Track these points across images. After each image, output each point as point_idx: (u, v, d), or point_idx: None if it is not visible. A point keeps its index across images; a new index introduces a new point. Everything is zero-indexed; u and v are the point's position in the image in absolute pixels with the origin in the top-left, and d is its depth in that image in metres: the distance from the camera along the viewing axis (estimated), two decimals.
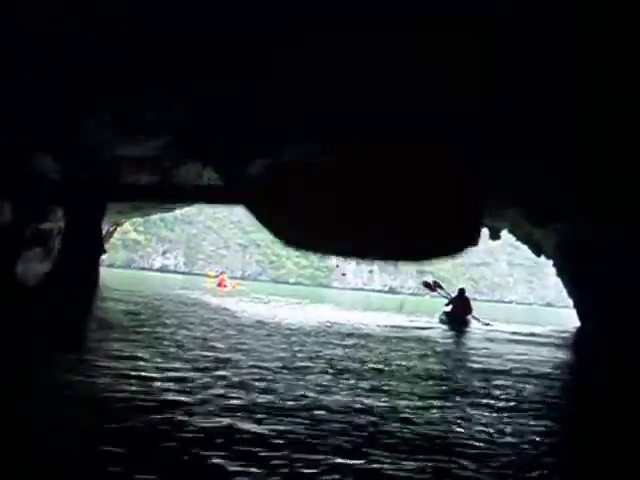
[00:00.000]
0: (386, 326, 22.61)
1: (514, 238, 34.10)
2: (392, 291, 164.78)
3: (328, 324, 20.88)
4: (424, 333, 20.94)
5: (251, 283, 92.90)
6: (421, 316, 29.76)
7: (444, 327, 24.74)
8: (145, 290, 34.59)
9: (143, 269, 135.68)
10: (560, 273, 32.70)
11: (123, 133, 20.67)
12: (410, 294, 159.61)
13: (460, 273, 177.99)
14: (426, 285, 32.25)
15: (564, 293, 33.23)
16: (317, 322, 21.33)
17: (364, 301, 62.96)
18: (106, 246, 47.20)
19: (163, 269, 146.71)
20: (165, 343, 11.84)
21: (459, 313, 26.03)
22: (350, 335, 17.30)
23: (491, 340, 20.02)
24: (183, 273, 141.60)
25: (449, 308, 26.98)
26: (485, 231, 33.00)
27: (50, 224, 31.50)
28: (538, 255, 33.73)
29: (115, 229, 47.61)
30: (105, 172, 23.60)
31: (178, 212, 78.81)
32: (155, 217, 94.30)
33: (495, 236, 33.04)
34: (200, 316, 19.62)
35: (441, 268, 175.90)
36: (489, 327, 25.68)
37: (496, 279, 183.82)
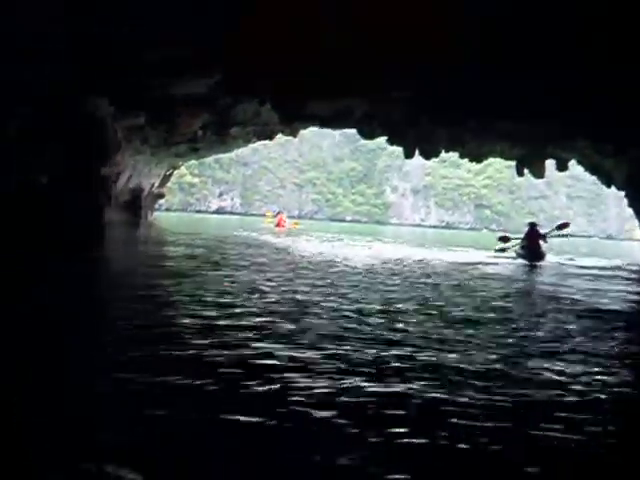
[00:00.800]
0: (466, 263, 22.05)
1: (573, 170, 32.96)
2: (449, 226, 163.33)
3: (403, 263, 19.98)
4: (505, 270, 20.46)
5: (308, 222, 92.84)
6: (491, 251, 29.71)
7: (522, 261, 25.14)
8: (204, 233, 34.37)
9: (200, 212, 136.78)
10: (632, 203, 31.63)
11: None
12: (468, 228, 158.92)
13: (519, 206, 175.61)
14: (501, 239, 30.54)
15: (626, 225, 32.57)
16: (392, 261, 20.50)
17: (428, 237, 61.86)
18: (164, 190, 47.42)
19: (220, 211, 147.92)
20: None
21: (534, 246, 25.69)
22: (431, 275, 16.20)
23: (577, 276, 19.24)
24: (240, 214, 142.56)
25: (523, 243, 26.88)
26: (551, 162, 32.15)
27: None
28: (608, 186, 32.75)
29: (172, 172, 47.74)
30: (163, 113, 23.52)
31: (233, 153, 78.47)
32: (210, 159, 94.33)
33: (562, 167, 32.18)
34: (272, 259, 18.65)
35: (499, 202, 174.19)
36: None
37: (555, 212, 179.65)
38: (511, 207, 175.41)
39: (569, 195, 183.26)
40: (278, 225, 53.60)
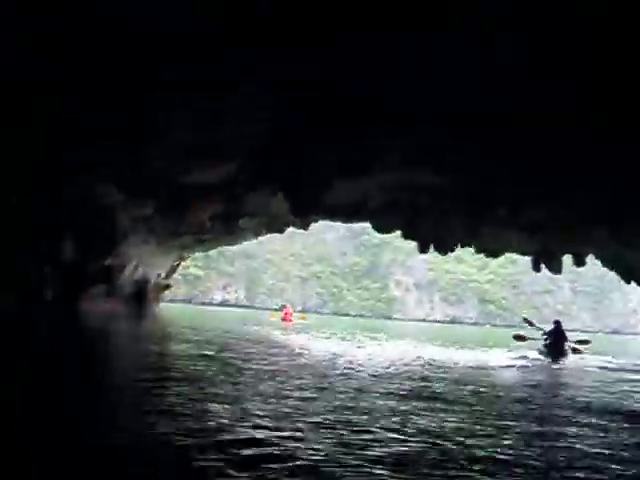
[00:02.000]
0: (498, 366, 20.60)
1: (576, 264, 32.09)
2: (453, 321, 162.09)
3: (434, 367, 18.24)
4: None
5: (313, 315, 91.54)
6: (516, 350, 28.35)
7: (546, 359, 24.85)
8: (211, 327, 32.97)
9: (204, 304, 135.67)
10: None
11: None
12: (472, 323, 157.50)
13: (522, 301, 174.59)
14: (525, 321, 32.25)
15: (631, 320, 32.21)
16: (414, 364, 18.92)
17: (437, 333, 60.40)
18: (170, 281, 46.60)
19: (223, 303, 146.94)
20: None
21: (560, 344, 25.95)
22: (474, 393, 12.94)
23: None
24: (244, 306, 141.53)
25: (547, 341, 26.54)
26: (568, 259, 31.41)
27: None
28: (628, 282, 31.70)
29: (179, 264, 47.00)
30: (172, 204, 22.87)
31: (237, 246, 77.97)
32: (214, 252, 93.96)
33: (580, 262, 31.31)
34: (288, 364, 16.00)
35: (504, 297, 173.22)
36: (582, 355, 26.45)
37: (559, 307, 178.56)
38: (515, 302, 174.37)
39: (573, 289, 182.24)
40: (285, 319, 51.74)
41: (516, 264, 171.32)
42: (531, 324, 30.84)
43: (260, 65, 15.19)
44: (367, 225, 31.39)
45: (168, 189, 22.05)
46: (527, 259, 32.99)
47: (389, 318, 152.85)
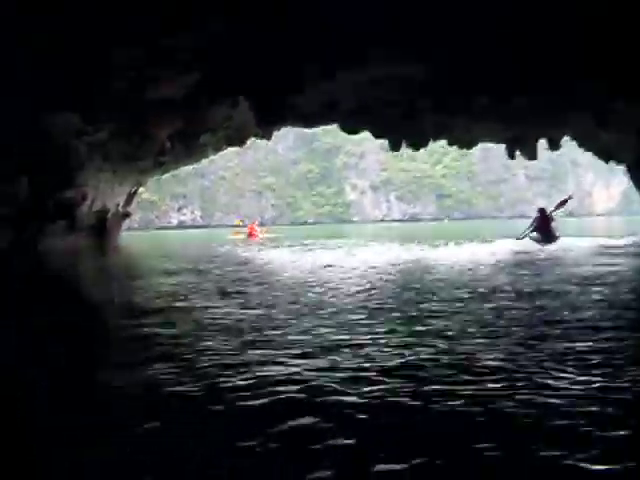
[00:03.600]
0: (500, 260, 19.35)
1: (550, 148, 31.22)
2: (413, 219, 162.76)
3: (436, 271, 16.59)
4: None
5: (273, 227, 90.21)
6: (498, 240, 28.58)
7: (540, 245, 25.24)
8: (180, 253, 31.29)
9: (161, 228, 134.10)
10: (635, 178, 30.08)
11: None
12: (431, 219, 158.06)
13: (478, 192, 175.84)
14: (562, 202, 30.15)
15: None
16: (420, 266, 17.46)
17: (408, 231, 59.18)
18: (130, 209, 44.74)
19: (180, 225, 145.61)
20: None
21: (547, 230, 26.85)
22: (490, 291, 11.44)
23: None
24: (201, 227, 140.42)
25: (534, 227, 27.66)
26: (543, 143, 30.41)
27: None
28: (606, 161, 30.95)
29: (137, 191, 45.04)
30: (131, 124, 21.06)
31: (188, 167, 75.63)
32: (166, 175, 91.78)
33: (555, 146, 30.28)
34: (277, 286, 14.26)
35: (460, 190, 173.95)
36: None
37: (514, 194, 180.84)
38: (471, 193, 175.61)
39: (528, 176, 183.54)
40: (250, 236, 50.14)
41: (470, 155, 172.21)
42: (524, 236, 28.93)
43: None
44: (317, 131, 29.83)
45: (125, 109, 20.19)
46: (479, 150, 32.08)
47: (347, 222, 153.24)
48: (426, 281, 13.29)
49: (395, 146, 28.97)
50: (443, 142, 31.17)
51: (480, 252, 22.47)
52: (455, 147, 33.63)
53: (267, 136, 31.70)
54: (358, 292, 11.62)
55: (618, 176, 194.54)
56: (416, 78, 20.21)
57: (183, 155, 33.76)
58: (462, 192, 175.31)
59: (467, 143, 31.06)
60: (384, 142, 29.91)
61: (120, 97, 18.74)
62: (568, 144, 32.36)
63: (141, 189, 48.03)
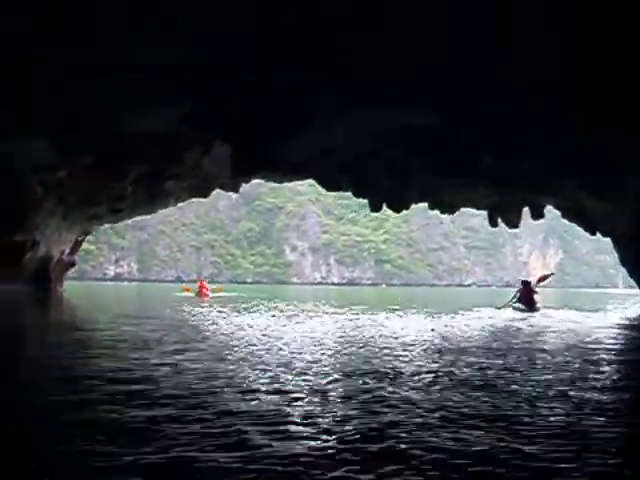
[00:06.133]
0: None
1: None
2: (351, 283, 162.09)
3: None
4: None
5: (210, 285, 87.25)
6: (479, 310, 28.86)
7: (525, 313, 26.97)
8: (127, 309, 28.21)
9: (97, 279, 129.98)
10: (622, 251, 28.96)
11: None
12: (370, 284, 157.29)
13: (418, 259, 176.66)
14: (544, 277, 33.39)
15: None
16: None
17: (351, 296, 57.12)
18: (75, 258, 42.11)
19: (117, 277, 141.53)
20: None
21: (530, 300, 28.59)
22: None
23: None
24: (138, 280, 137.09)
25: (517, 298, 29.59)
26: (526, 210, 29.16)
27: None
28: (593, 233, 29.77)
29: (83, 239, 42.48)
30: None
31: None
32: (104, 226, 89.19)
33: (538, 215, 29.01)
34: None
35: (400, 256, 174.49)
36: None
37: (454, 263, 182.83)
38: (410, 260, 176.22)
39: (466, 246, 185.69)
40: (200, 294, 44.76)
41: (410, 222, 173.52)
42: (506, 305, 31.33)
43: None
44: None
45: (103, 140, 17.96)
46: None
47: (285, 283, 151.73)
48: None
49: (376, 207, 27.23)
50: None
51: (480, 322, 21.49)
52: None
53: (234, 188, 29.69)
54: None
55: (553, 248, 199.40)
56: (430, 127, 18.50)
57: (142, 203, 31.40)
58: (401, 258, 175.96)
59: (449, 207, 29.49)
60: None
61: (97, 127, 16.56)
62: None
63: None
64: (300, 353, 11.94)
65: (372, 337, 15.20)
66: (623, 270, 34.68)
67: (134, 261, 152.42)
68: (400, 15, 12.96)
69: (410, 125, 18.27)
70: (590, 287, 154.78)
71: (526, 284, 29.95)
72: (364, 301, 42.89)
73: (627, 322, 24.38)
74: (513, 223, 29.16)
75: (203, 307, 29.35)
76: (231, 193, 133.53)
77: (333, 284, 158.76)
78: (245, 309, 28.47)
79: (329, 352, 12.24)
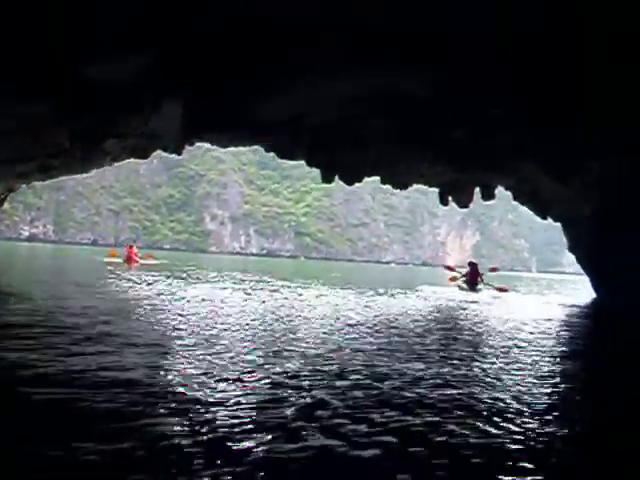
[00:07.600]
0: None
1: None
2: (270, 254, 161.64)
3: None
4: None
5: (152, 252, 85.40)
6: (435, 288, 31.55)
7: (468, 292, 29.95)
8: (48, 274, 26.59)
9: (10, 239, 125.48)
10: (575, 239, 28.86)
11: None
12: (289, 256, 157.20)
13: (338, 234, 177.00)
14: (447, 267, 40.69)
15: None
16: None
17: (281, 267, 56.38)
18: None
19: (31, 238, 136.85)
20: None
21: (474, 281, 31.31)
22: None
23: None
24: (53, 242, 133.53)
25: (465, 278, 32.20)
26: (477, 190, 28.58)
27: None
28: (544, 217, 29.45)
29: (6, 197, 40.14)
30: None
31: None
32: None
33: (488, 195, 28.48)
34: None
35: (319, 230, 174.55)
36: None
37: (373, 239, 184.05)
38: (330, 234, 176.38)
39: (386, 223, 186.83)
40: (129, 260, 44.01)
41: (332, 197, 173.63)
42: (451, 269, 38.28)
43: None
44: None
45: (65, 85, 16.37)
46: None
47: (204, 252, 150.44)
48: None
49: (328, 178, 26.22)
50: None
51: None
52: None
53: (178, 150, 28.11)
54: None
55: (470, 229, 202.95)
56: (413, 94, 17.58)
57: (77, 160, 29.48)
58: (321, 232, 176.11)
59: (402, 184, 28.61)
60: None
61: (54, 72, 15.04)
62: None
63: None
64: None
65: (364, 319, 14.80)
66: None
67: (50, 222, 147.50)
68: None
69: (394, 91, 17.36)
70: (505, 270, 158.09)
71: (473, 265, 32.36)
72: (303, 274, 42.49)
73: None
74: (464, 203, 28.53)
75: (147, 276, 28.13)
76: (153, 157, 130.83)
77: (252, 254, 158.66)
78: (197, 279, 27.52)
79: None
